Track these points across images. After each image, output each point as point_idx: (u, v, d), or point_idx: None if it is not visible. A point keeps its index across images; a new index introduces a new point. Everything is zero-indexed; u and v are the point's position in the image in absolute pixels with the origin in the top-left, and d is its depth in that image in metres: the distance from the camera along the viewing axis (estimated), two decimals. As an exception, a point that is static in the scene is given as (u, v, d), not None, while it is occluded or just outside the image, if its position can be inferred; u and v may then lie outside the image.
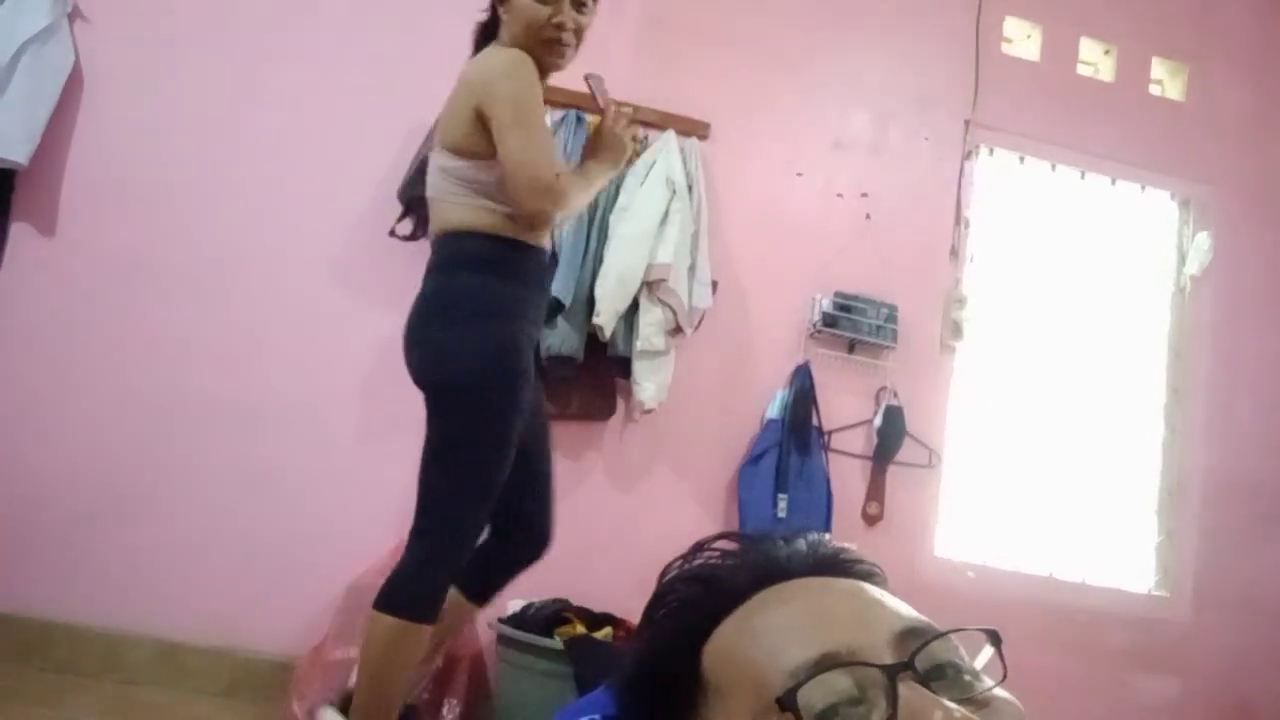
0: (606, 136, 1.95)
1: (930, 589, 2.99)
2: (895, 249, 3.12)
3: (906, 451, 3.01)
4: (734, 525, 2.86)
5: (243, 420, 2.66)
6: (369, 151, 2.83)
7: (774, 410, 2.95)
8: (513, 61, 1.75)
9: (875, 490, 3.01)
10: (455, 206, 1.79)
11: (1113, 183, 3.37)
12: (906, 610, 0.54)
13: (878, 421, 3.00)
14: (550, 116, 2.88)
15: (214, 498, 2.62)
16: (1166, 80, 3.48)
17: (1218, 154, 3.42)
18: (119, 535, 2.55)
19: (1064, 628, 3.02)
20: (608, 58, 3.05)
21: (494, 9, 1.87)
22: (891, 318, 3.03)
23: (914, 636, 0.50)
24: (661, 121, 2.97)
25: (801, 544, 0.60)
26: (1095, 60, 3.43)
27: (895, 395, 3.03)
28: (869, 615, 0.52)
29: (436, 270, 1.83)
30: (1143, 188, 3.40)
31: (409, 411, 2.70)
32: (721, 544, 0.62)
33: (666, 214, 2.75)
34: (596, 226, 2.77)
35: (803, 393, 2.96)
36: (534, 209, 1.70)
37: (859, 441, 3.04)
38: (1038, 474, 3.20)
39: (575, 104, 2.91)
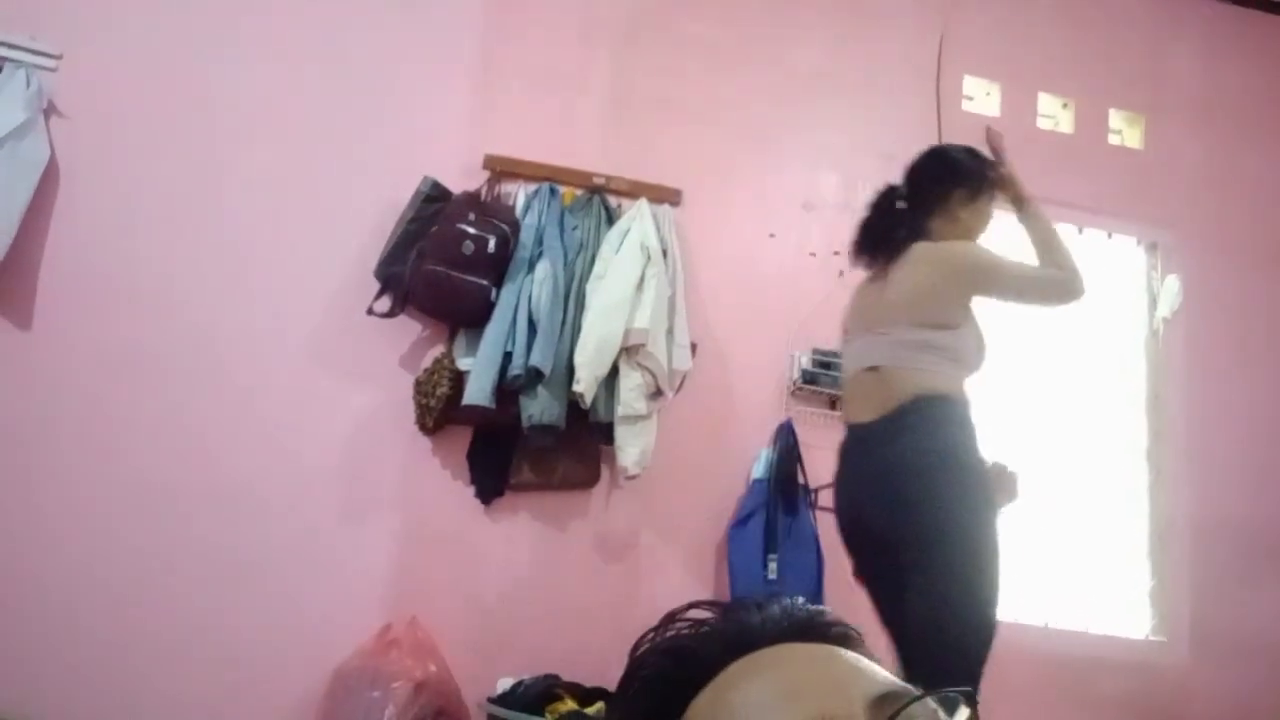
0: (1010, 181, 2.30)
1: (926, 645, 2.96)
2: (870, 305, 3.15)
3: (894, 506, 3.00)
4: (724, 589, 2.83)
5: (222, 507, 2.63)
6: (342, 231, 2.87)
7: (759, 470, 2.95)
8: (976, 249, 2.16)
9: (865, 546, 2.98)
10: (931, 374, 2.01)
11: (1080, 231, 3.43)
12: (882, 675, 0.54)
13: (863, 477, 3.00)
14: (524, 189, 2.94)
15: (195, 587, 2.58)
16: (1125, 130, 3.58)
17: (1179, 198, 3.50)
18: (99, 629, 2.50)
19: (1062, 676, 2.98)
20: (578, 129, 3.13)
21: (946, 201, 2.17)
22: (871, 373, 3.05)
23: (890, 701, 0.49)
24: (633, 190, 3.03)
25: (776, 609, 0.59)
26: (1054, 114, 3.53)
27: (879, 449, 3.03)
28: (845, 682, 0.51)
29: (912, 431, 1.97)
30: (1109, 234, 3.47)
31: (388, 491, 2.70)
32: (694, 613, 0.61)
33: (642, 280, 2.78)
34: (574, 295, 2.80)
35: (787, 451, 2.95)
36: (1069, 300, 2.17)
37: (846, 498, 3.03)
38: (1027, 522, 3.19)
39: (549, 177, 2.97)
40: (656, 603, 2.85)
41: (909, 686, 0.51)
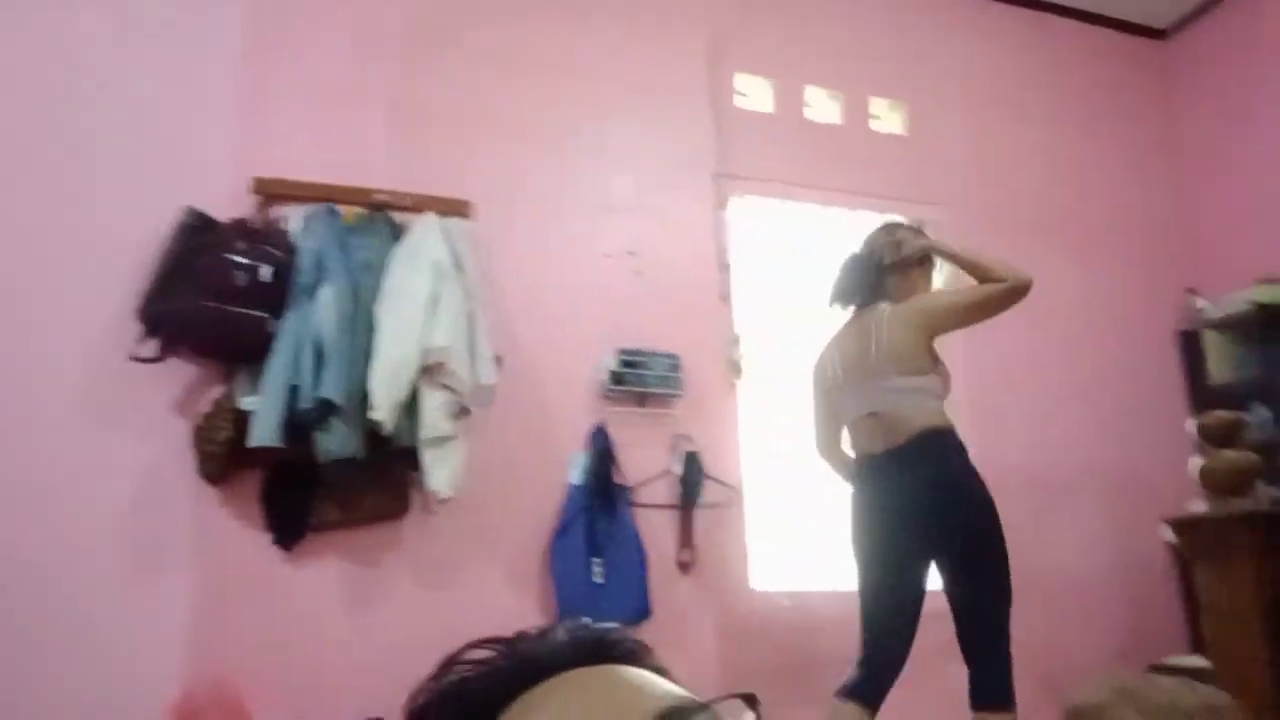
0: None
1: (751, 623, 3.04)
2: (668, 301, 3.21)
3: (709, 494, 3.07)
4: (551, 602, 2.80)
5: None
6: (100, 271, 2.63)
7: (576, 475, 2.94)
8: (933, 302, 2.64)
9: (685, 537, 3.04)
10: (933, 412, 2.49)
11: (855, 213, 3.63)
12: (665, 689, 0.53)
13: (678, 469, 3.05)
14: (300, 211, 2.79)
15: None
16: (886, 116, 3.82)
17: (942, 177, 3.77)
18: None
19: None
20: (357, 146, 3.01)
21: (884, 268, 2.66)
22: (675, 366, 3.11)
23: (674, 717, 0.49)
24: (420, 205, 2.93)
25: (561, 634, 0.58)
26: (822, 105, 3.72)
27: (690, 440, 3.10)
28: (628, 704, 0.50)
29: (946, 454, 2.46)
30: (882, 215, 3.69)
31: (177, 548, 2.48)
32: (477, 653, 0.58)
33: (436, 296, 2.70)
34: (363, 319, 2.68)
35: (602, 453, 2.96)
36: (1021, 296, 2.51)
37: (663, 492, 3.07)
38: (833, 495, 3.34)
39: (326, 196, 2.84)
40: (485, 627, 2.75)
41: (693, 698, 0.51)
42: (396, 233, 2.88)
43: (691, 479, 3.05)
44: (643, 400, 3.10)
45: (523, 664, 0.55)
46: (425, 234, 2.82)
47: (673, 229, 3.32)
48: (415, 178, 2.98)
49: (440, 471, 2.62)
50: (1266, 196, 3.82)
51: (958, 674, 2.38)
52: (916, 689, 3.23)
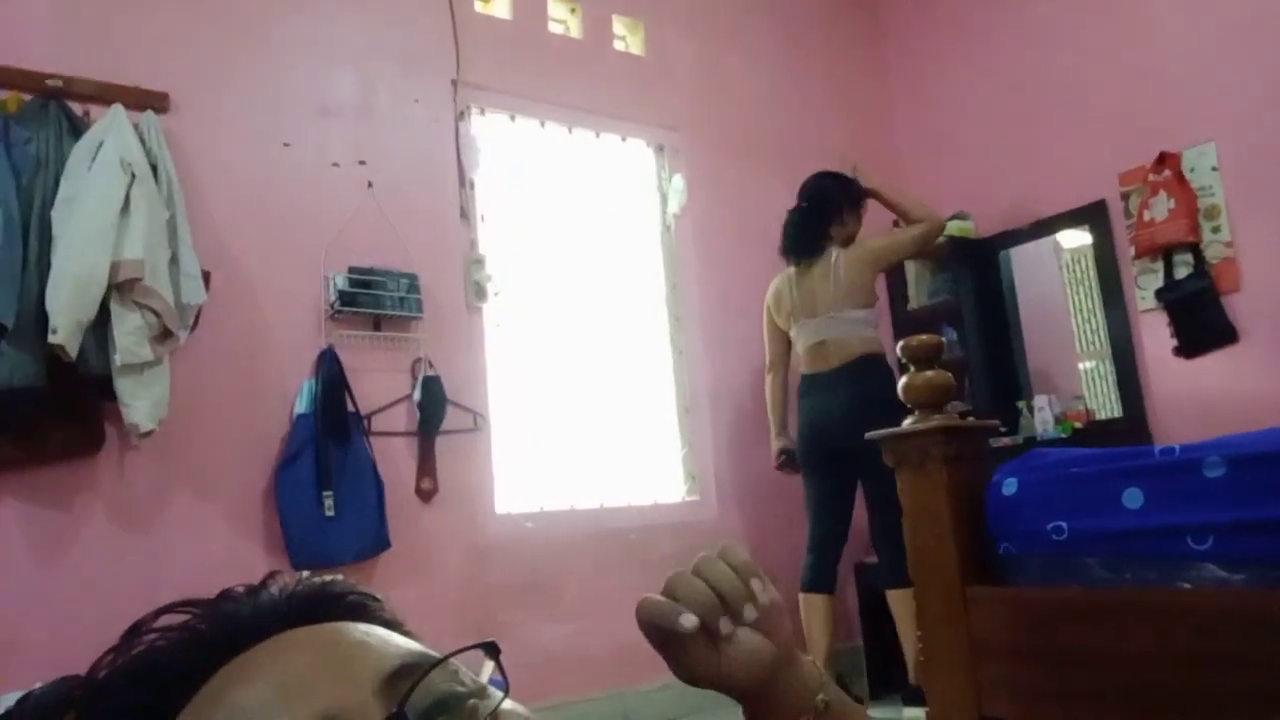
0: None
1: (495, 548, 3.03)
2: (404, 217, 3.02)
3: (451, 419, 2.98)
4: (278, 539, 2.60)
5: None
6: None
7: (303, 404, 2.73)
8: (876, 245, 3.19)
9: (426, 465, 2.94)
10: (870, 339, 3.09)
11: (597, 135, 3.61)
12: (396, 647, 0.46)
13: (417, 395, 2.92)
14: None
15: None
16: (628, 36, 3.80)
17: (679, 102, 3.82)
18: None
19: (619, 548, 3.25)
20: (22, 21, 2.52)
21: (837, 214, 3.18)
22: (413, 287, 2.95)
23: (404, 676, 0.43)
24: (104, 94, 2.53)
25: (274, 592, 0.50)
26: (564, 18, 3.62)
27: (431, 365, 2.97)
28: (351, 667, 0.44)
29: (875, 375, 3.00)
30: (623, 138, 3.70)
31: None
32: (167, 619, 0.49)
33: (128, 201, 2.35)
34: (35, 227, 2.28)
35: (331, 380, 2.76)
36: (940, 233, 3.33)
37: (402, 419, 2.94)
38: (577, 416, 3.38)
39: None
40: (200, 567, 2.55)
41: (428, 652, 0.46)
42: (77, 126, 2.46)
43: (431, 405, 2.93)
44: (378, 323, 2.92)
45: (227, 628, 0.48)
46: (113, 129, 2.44)
47: (408, 139, 3.11)
48: (95, 62, 2.56)
49: (139, 402, 2.33)
50: (964, 134, 4.25)
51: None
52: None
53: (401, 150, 3.08)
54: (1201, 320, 3.41)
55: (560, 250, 3.46)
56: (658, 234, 3.76)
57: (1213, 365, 3.41)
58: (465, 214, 3.19)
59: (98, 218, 2.28)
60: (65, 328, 2.18)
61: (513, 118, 3.41)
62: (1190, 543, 1.29)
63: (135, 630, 0.49)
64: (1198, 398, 3.43)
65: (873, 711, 3.13)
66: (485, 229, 3.26)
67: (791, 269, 3.21)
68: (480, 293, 3.15)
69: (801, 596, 3.09)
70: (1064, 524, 1.44)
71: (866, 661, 3.39)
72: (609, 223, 3.62)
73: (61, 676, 1.83)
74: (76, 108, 2.50)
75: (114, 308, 2.30)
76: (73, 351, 2.20)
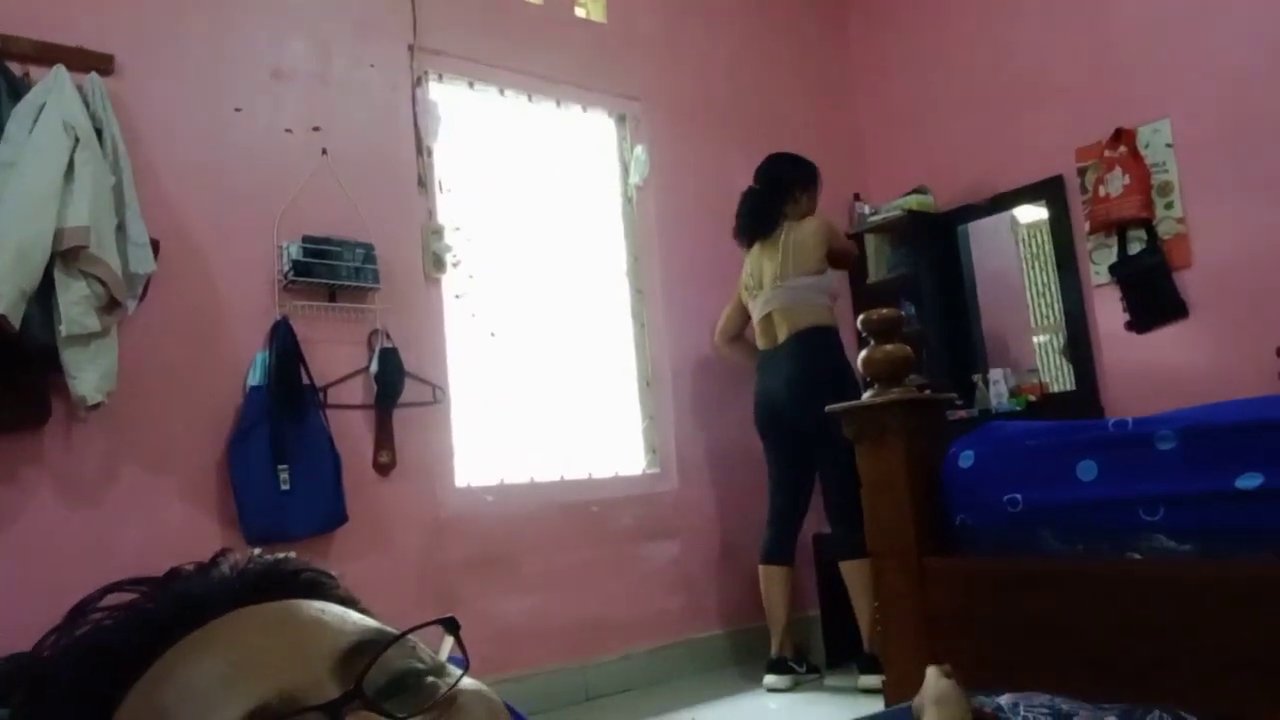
0: None
1: (455, 522, 3.01)
2: (360, 185, 2.96)
3: (410, 392, 2.95)
4: (232, 513, 2.56)
5: None
6: None
7: (256, 376, 2.67)
8: (827, 221, 3.32)
9: (384, 438, 2.90)
10: (819, 309, 3.15)
11: (558, 104, 3.56)
12: (352, 624, 0.45)
13: (374, 367, 2.88)
14: None
15: None
16: (589, 3, 3.74)
17: (641, 72, 3.78)
18: None
19: (580, 521, 3.25)
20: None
21: (791, 193, 3.28)
22: (370, 257, 2.89)
23: (360, 654, 0.42)
24: (44, 54, 2.44)
25: (224, 569, 0.49)
26: (524, -18, 3.55)
27: (388, 337, 2.93)
28: (305, 645, 0.43)
29: (822, 349, 3.11)
30: (584, 108, 3.65)
31: None
32: (114, 599, 0.48)
33: (71, 166, 2.27)
34: (-28, 191, 2.19)
35: (286, 351, 2.71)
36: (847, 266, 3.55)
37: (359, 392, 2.90)
38: (538, 388, 3.36)
39: None
40: (152, 542, 2.50)
41: (385, 629, 0.45)
42: (16, 88, 2.37)
43: (388, 377, 2.89)
44: (333, 294, 2.86)
45: (177, 606, 0.46)
46: (55, 91, 2.35)
47: (364, 105, 3.04)
48: (34, 20, 2.46)
49: (86, 374, 2.26)
50: (924, 109, 4.27)
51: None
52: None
53: (357, 116, 3.01)
54: (1153, 295, 3.48)
55: (521, 221, 3.42)
56: (619, 205, 3.73)
57: (1164, 340, 3.49)
58: (423, 183, 3.13)
59: (40, 183, 2.20)
60: (7, 297, 2.10)
61: (471, 85, 3.35)
62: (1141, 514, 1.31)
63: (80, 610, 0.48)
64: (1148, 372, 3.51)
65: (829, 680, 3.19)
66: (444, 199, 3.20)
67: (754, 248, 3.30)
68: (439, 263, 3.11)
69: (761, 568, 3.17)
70: (1019, 496, 1.46)
71: (823, 630, 3.44)
72: (570, 194, 3.58)
73: (6, 655, 1.80)
74: (16, 68, 2.40)
75: (58, 276, 2.22)
76: (15, 322, 2.13)
